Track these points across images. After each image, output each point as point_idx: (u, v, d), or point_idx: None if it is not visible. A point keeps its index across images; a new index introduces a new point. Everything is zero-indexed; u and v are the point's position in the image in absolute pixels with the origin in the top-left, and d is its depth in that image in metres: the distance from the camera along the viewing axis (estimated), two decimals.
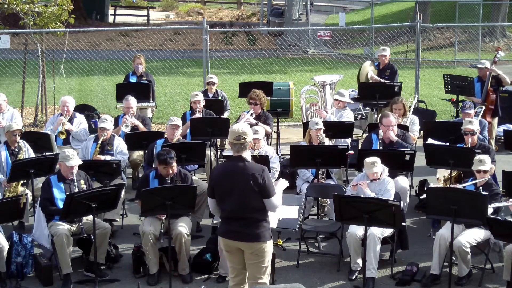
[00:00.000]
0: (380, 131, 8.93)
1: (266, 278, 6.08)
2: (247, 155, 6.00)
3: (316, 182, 8.69)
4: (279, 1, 30.63)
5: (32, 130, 12.74)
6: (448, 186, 8.32)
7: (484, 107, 10.92)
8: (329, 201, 8.64)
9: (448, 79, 12.21)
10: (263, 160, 8.33)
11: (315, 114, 10.96)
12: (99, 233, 7.37)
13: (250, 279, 6.10)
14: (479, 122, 9.72)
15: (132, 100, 10.34)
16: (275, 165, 8.81)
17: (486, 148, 8.76)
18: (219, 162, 10.33)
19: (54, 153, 9.11)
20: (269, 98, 11.66)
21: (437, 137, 9.37)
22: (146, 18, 30.48)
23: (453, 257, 7.17)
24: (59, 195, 7.57)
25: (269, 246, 6.05)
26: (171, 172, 7.74)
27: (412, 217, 9.01)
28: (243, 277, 6.18)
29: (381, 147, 8.87)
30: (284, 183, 6.29)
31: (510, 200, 7.37)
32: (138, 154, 9.99)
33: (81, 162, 7.85)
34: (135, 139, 9.70)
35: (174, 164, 7.76)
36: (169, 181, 7.71)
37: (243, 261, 6.11)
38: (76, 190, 7.46)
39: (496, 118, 11.34)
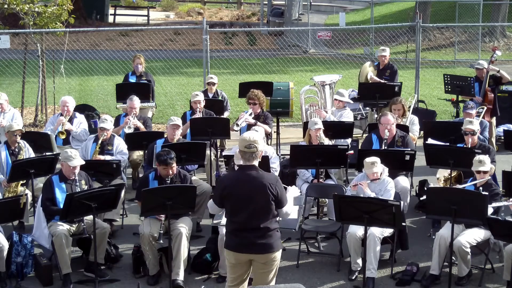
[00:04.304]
0: (386, 131, 8.90)
1: (271, 283, 6.04)
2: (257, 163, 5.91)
3: (316, 182, 8.69)
4: (279, 1, 30.63)
5: (32, 130, 12.74)
6: (448, 186, 8.32)
7: (485, 108, 10.93)
8: (328, 201, 8.65)
9: (448, 79, 12.21)
10: (263, 160, 8.31)
11: (314, 114, 10.96)
12: (98, 233, 7.36)
13: (256, 285, 6.03)
14: (480, 122, 9.73)
15: (136, 101, 10.35)
16: (275, 165, 8.80)
17: (486, 148, 8.76)
18: (219, 163, 10.35)
19: (54, 153, 9.12)
20: (269, 98, 11.66)
21: (437, 137, 9.38)
22: (146, 18, 30.46)
23: (453, 257, 7.17)
24: (60, 196, 7.56)
25: (279, 255, 6.00)
26: (171, 173, 7.73)
27: (412, 217, 9.01)
28: (243, 285, 6.13)
29: (385, 147, 8.86)
30: (295, 191, 6.29)
31: (511, 200, 7.37)
32: (138, 154, 9.99)
33: (83, 162, 7.85)
34: (135, 139, 9.70)
35: (174, 164, 7.75)
36: (168, 182, 7.70)
37: (247, 272, 6.04)
38: (78, 190, 7.46)
39: (495, 118, 11.35)
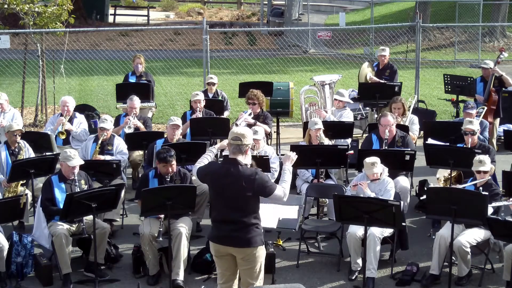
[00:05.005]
0: (387, 131, 8.89)
1: (259, 283, 6.04)
2: (243, 159, 5.90)
3: (316, 182, 8.69)
4: (279, 1, 30.63)
5: (32, 130, 12.74)
6: (448, 186, 8.32)
7: (485, 108, 10.94)
8: (328, 201, 8.65)
9: (448, 79, 12.22)
10: (263, 160, 8.33)
11: (314, 114, 10.96)
12: (98, 233, 7.35)
13: (244, 285, 6.06)
14: (480, 122, 9.73)
15: (136, 101, 10.35)
16: (275, 165, 8.80)
17: (486, 148, 8.76)
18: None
19: (54, 153, 9.12)
20: (269, 98, 11.66)
21: (437, 137, 9.38)
22: (146, 18, 30.46)
23: (453, 257, 7.17)
24: (60, 196, 7.56)
25: (260, 251, 5.98)
26: (171, 170, 7.74)
27: (412, 217, 9.01)
28: (232, 283, 6.14)
29: (386, 147, 8.86)
30: (292, 156, 6.17)
31: (511, 199, 7.37)
32: (138, 154, 9.99)
33: (82, 162, 7.85)
34: (135, 139, 9.71)
35: (174, 162, 7.76)
36: (168, 179, 7.71)
37: (232, 267, 6.05)
38: (77, 190, 7.46)
39: (498, 119, 11.35)
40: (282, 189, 5.97)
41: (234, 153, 5.90)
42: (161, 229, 7.37)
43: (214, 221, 6.09)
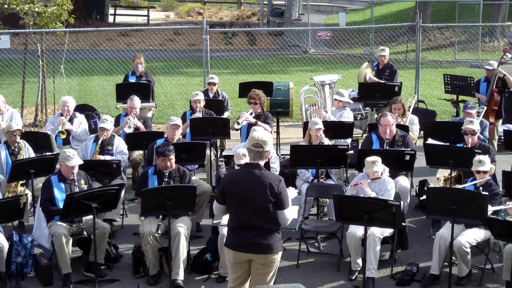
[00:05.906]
0: (388, 131, 8.89)
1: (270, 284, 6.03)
2: (262, 163, 5.89)
3: (316, 182, 8.69)
4: (279, 1, 30.63)
5: (32, 130, 12.74)
6: (448, 186, 8.32)
7: (485, 108, 10.93)
8: (328, 201, 8.65)
9: (448, 79, 12.22)
10: None
11: (314, 114, 10.96)
12: (98, 233, 7.36)
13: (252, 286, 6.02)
14: (480, 122, 9.74)
15: (137, 101, 10.36)
16: (275, 165, 8.80)
17: (486, 148, 8.76)
18: (219, 163, 10.35)
19: (54, 153, 9.12)
20: (269, 98, 11.66)
21: (437, 137, 9.38)
22: (146, 18, 30.47)
23: (453, 257, 7.17)
24: (59, 195, 7.57)
25: (279, 257, 5.96)
26: (169, 165, 7.74)
27: (412, 217, 9.01)
28: (244, 286, 6.10)
29: (387, 147, 8.86)
30: (293, 192, 6.25)
31: (508, 203, 7.37)
32: (138, 154, 9.99)
33: (81, 162, 7.85)
34: (135, 139, 9.71)
35: (173, 157, 7.77)
36: (167, 173, 7.71)
37: (247, 272, 6.00)
38: (77, 190, 7.46)
39: (500, 120, 11.35)
40: (291, 212, 5.92)
41: (254, 159, 5.87)
42: (160, 224, 7.37)
43: (234, 228, 5.93)
